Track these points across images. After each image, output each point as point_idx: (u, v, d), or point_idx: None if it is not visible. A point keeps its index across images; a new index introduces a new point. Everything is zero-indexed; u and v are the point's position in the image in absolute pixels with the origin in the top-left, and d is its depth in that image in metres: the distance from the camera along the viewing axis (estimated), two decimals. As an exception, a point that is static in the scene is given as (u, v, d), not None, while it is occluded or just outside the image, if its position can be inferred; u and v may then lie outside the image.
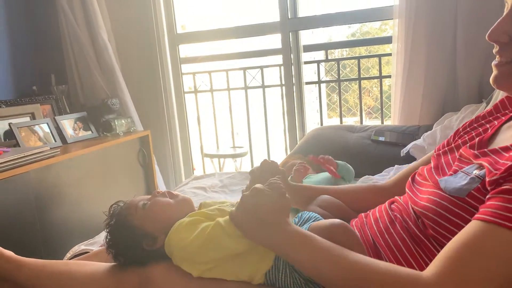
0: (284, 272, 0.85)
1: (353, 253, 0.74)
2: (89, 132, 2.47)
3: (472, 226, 0.68)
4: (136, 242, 0.93)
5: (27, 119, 2.27)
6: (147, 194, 2.68)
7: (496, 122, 0.93)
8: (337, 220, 0.87)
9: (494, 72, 0.84)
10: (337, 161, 1.72)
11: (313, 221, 0.92)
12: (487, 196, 0.71)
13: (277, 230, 0.78)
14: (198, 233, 0.85)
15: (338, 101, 3.01)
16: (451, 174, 0.84)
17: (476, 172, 0.78)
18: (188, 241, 0.86)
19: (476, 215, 0.69)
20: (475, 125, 1.00)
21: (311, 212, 0.98)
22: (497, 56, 0.83)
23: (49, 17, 2.64)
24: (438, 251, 0.78)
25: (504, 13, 0.79)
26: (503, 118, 0.93)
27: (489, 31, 0.81)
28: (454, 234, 0.75)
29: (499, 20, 0.80)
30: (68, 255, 1.45)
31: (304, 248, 0.76)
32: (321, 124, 3.38)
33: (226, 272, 0.86)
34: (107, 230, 0.98)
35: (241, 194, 0.86)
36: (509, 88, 0.85)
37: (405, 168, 1.14)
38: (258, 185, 0.82)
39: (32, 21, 2.64)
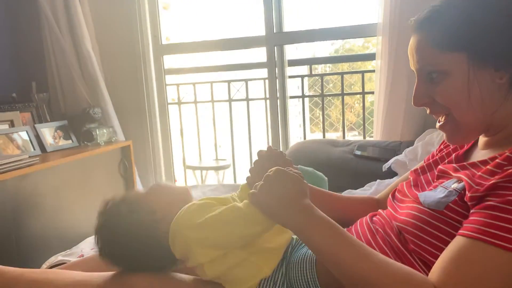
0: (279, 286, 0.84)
1: (376, 252, 0.74)
2: (70, 141, 2.43)
3: (457, 242, 0.69)
4: (142, 233, 0.86)
5: (6, 126, 2.21)
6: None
7: None
8: None
9: (444, 134, 0.88)
10: (302, 166, 1.67)
11: None
12: (471, 211, 0.72)
13: (303, 211, 0.77)
14: (213, 215, 0.81)
15: (321, 116, 3.03)
16: (430, 190, 0.85)
17: (454, 185, 0.80)
18: (201, 220, 0.80)
19: (461, 231, 0.70)
20: None
21: None
22: (435, 117, 0.88)
23: (32, 24, 2.60)
24: (419, 265, 0.79)
25: (416, 80, 0.85)
26: None
27: (412, 100, 0.86)
28: (433, 246, 0.76)
29: (415, 87, 0.85)
30: (44, 266, 1.41)
31: (331, 233, 0.75)
32: (304, 139, 3.40)
33: (230, 264, 0.83)
34: (104, 229, 0.91)
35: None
36: (463, 140, 0.88)
37: (397, 180, 1.14)
38: (279, 168, 0.80)
39: (14, 28, 2.60)
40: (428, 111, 0.87)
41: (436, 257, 0.75)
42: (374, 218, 0.98)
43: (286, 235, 0.92)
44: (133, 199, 0.92)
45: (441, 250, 0.74)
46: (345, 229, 0.78)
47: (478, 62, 0.77)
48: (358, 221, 1.02)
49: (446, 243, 0.74)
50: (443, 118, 0.86)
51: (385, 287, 0.68)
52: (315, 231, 0.75)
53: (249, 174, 1.02)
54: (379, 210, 1.02)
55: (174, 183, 0.90)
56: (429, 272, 0.77)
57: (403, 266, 0.71)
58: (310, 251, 0.87)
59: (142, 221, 0.87)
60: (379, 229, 0.92)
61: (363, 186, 1.88)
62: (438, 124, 0.88)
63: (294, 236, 0.97)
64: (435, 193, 0.81)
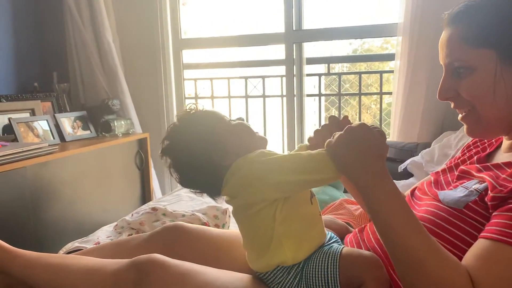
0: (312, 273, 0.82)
1: (430, 235, 0.72)
2: (88, 132, 2.46)
3: (481, 244, 0.70)
4: (208, 150, 0.88)
5: (27, 114, 2.26)
6: (142, 197, 2.66)
7: (494, 141, 0.95)
8: (373, 255, 0.84)
9: (465, 126, 0.88)
10: None
11: (334, 241, 0.91)
12: (493, 213, 0.72)
13: (378, 173, 0.74)
14: (282, 155, 0.83)
15: (336, 115, 3.01)
16: (451, 189, 0.85)
17: (476, 186, 0.79)
18: (270, 157, 0.82)
19: (483, 234, 0.71)
20: (473, 146, 1.01)
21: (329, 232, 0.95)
22: (459, 111, 0.88)
23: (55, 15, 2.65)
24: None
25: (443, 73, 0.85)
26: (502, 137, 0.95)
27: (437, 93, 0.86)
28: (450, 243, 0.76)
29: (441, 80, 0.85)
30: (61, 252, 1.44)
31: (395, 203, 0.73)
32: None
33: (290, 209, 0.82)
34: (176, 128, 0.92)
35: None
36: (483, 134, 0.88)
37: (418, 183, 1.13)
38: (364, 123, 0.77)
39: (38, 18, 2.65)
40: (452, 105, 0.87)
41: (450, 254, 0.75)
42: None
43: (322, 238, 0.88)
44: (215, 119, 0.93)
45: (456, 247, 0.74)
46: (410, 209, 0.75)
47: (507, 60, 0.77)
48: (369, 224, 1.02)
49: (462, 241, 0.74)
50: (465, 110, 0.85)
51: (429, 269, 0.67)
52: (381, 197, 0.73)
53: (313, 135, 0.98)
54: None
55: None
56: None
57: (450, 255, 0.70)
58: (333, 247, 0.85)
59: (208, 141, 0.89)
60: None
61: (378, 186, 1.87)
62: (460, 116, 0.87)
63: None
64: (455, 192, 0.82)
